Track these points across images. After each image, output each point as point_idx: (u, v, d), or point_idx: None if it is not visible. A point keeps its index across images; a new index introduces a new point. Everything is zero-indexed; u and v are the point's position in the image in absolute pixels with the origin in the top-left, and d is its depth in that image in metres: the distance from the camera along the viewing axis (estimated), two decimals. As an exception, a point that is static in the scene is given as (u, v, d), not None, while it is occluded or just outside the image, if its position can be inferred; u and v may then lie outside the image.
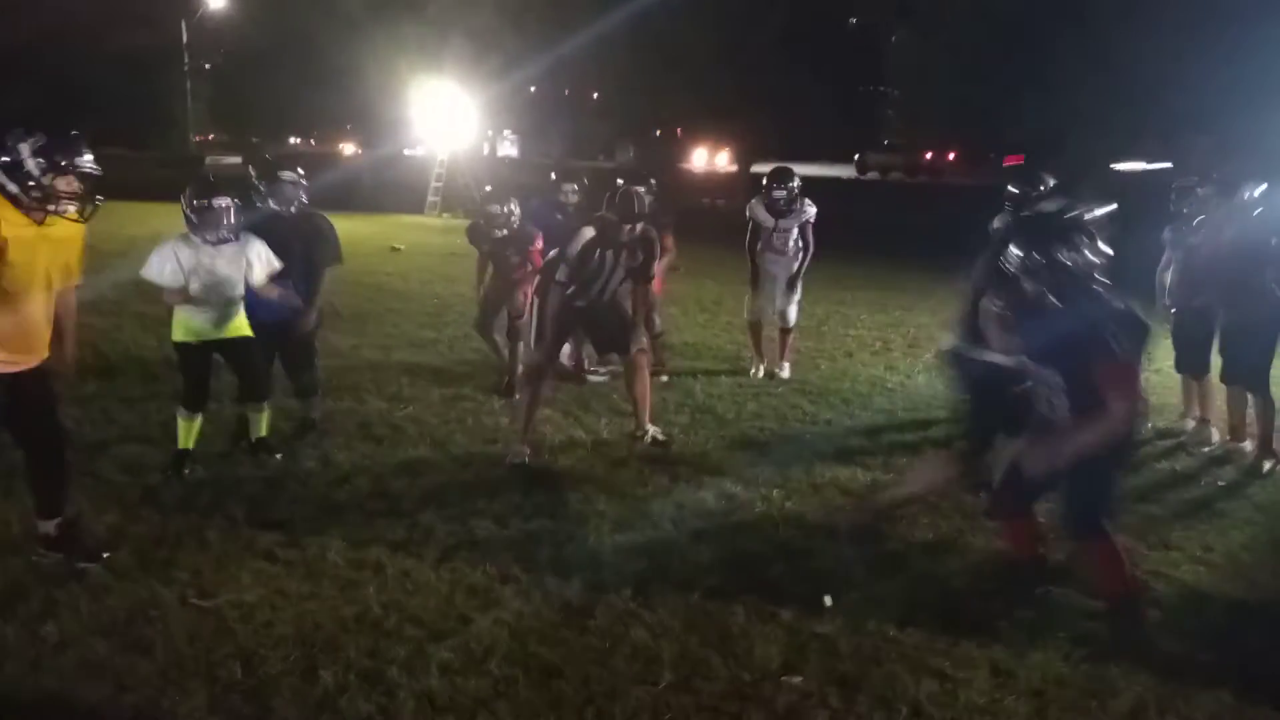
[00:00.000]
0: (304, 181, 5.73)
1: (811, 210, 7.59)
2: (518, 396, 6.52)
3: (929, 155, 43.57)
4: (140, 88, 28.36)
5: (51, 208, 3.78)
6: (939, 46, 22.62)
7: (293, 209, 5.62)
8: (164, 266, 4.98)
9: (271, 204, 5.56)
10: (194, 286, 4.99)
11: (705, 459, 5.73)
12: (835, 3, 26.16)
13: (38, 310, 3.91)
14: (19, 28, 24.67)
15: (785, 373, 7.70)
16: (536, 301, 5.73)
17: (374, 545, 4.38)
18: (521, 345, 6.86)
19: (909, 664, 3.59)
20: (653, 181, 6.88)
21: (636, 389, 5.94)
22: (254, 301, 5.25)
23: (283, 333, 5.54)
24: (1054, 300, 3.66)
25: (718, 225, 18.23)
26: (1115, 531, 3.84)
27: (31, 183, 3.72)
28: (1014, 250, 3.76)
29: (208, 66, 34.37)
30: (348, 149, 34.67)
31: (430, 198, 22.97)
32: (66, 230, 3.91)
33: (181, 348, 5.15)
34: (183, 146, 34.58)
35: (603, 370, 7.26)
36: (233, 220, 5.04)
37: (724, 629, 3.79)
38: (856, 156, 44.20)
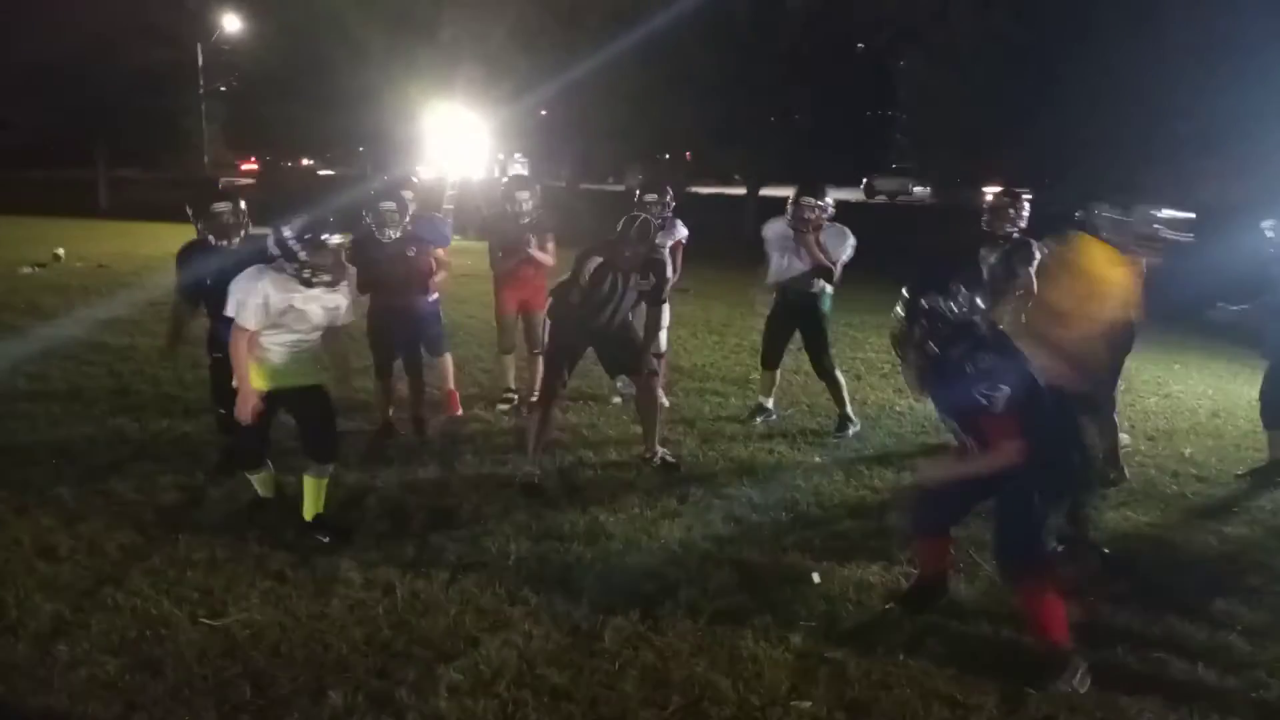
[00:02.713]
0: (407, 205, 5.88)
1: (683, 231, 7.25)
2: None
3: (937, 178, 43.65)
4: (155, 108, 28.63)
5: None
6: (947, 71, 22.72)
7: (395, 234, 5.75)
8: (248, 303, 4.34)
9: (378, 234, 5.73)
10: (280, 331, 4.45)
11: (714, 481, 5.73)
12: (843, 27, 26.27)
13: None
14: (37, 47, 24.98)
15: (665, 402, 7.11)
16: (548, 323, 5.75)
17: (383, 566, 4.39)
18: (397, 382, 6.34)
19: (918, 689, 3.57)
20: (668, 192, 6.89)
21: (646, 410, 5.95)
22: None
23: None
24: (933, 348, 3.75)
25: (726, 247, 18.26)
26: (1051, 577, 3.73)
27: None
28: (902, 296, 3.89)
29: (223, 89, 34.72)
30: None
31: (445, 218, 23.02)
32: None
33: (283, 395, 4.59)
34: (197, 168, 34.90)
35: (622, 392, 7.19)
36: (342, 260, 4.49)
37: (733, 652, 3.78)
38: (864, 180, 44.39)
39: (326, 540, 4.62)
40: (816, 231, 6.55)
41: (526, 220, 6.78)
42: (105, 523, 4.75)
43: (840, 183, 37.75)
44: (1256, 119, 15.60)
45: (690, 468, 5.92)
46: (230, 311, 4.38)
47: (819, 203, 6.54)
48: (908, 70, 28.48)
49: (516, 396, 7.12)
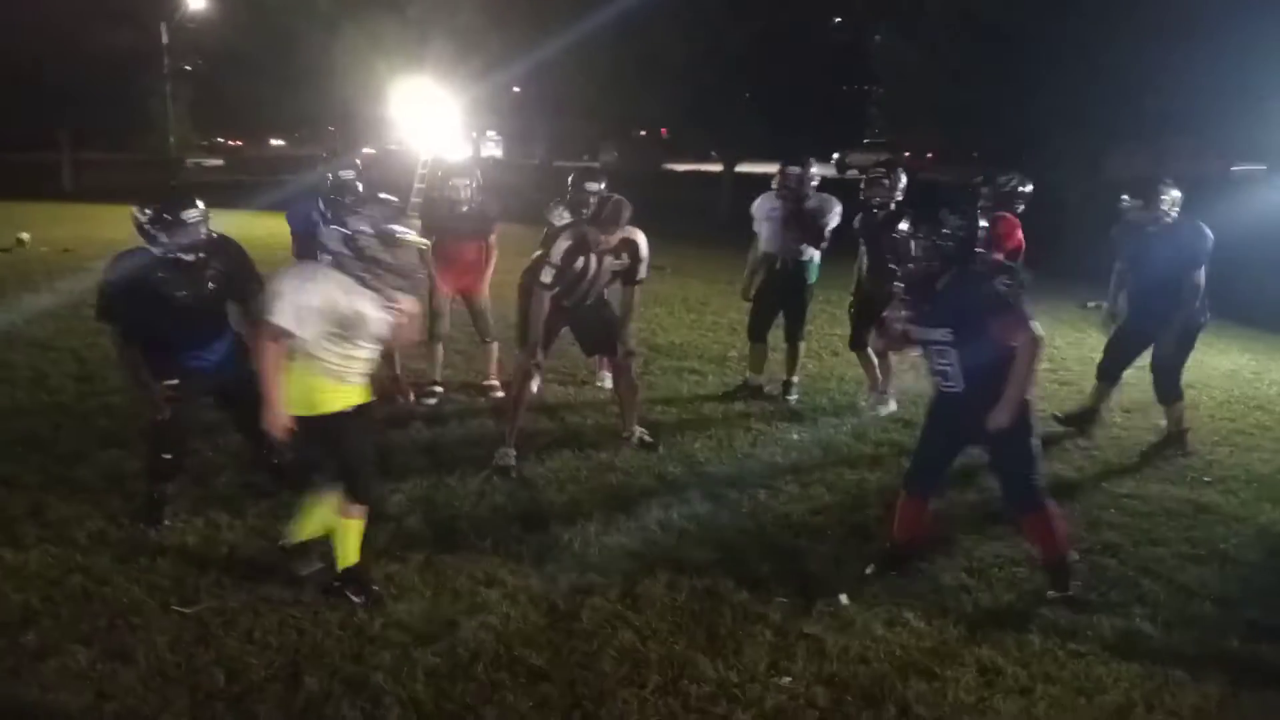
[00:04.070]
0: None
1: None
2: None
3: (908, 154, 43.67)
4: (119, 89, 28.06)
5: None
6: (920, 46, 22.67)
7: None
8: (304, 305, 3.61)
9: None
10: (341, 343, 3.73)
11: (692, 459, 5.72)
12: (817, 2, 26.14)
13: None
14: (-4, 28, 24.42)
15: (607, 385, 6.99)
16: (521, 304, 5.69)
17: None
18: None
19: (897, 663, 3.59)
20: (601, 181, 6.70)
21: (623, 390, 5.92)
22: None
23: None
24: (939, 265, 3.99)
25: (703, 224, 18.23)
26: (1048, 501, 4.09)
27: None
28: (904, 222, 4.15)
29: (188, 69, 34.09)
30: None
31: (413, 199, 22.78)
32: None
33: (335, 419, 3.80)
34: (162, 149, 34.34)
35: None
36: (420, 262, 3.93)
37: (712, 630, 3.78)
38: (836, 155, 44.33)
39: (360, 601, 3.88)
40: (804, 200, 6.73)
41: (466, 209, 6.59)
42: (73, 511, 4.67)
43: (814, 157, 37.79)
44: (1234, 95, 15.70)
45: (668, 447, 5.90)
46: (276, 316, 3.59)
47: (805, 173, 6.74)
48: (881, 45, 28.37)
49: (443, 389, 6.89)
